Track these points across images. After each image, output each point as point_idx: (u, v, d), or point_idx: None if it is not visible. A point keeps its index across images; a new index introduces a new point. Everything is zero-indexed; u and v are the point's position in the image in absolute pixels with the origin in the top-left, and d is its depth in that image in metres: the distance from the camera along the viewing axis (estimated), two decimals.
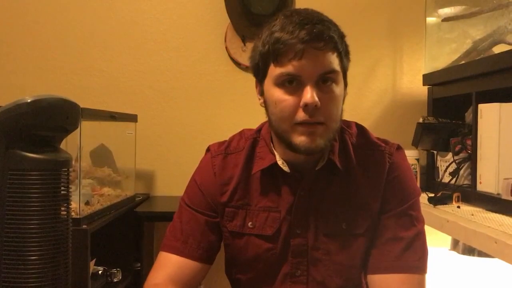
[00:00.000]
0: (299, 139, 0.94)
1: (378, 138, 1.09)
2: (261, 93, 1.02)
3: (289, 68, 0.93)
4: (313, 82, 0.93)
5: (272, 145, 1.06)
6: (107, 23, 2.25)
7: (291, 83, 0.94)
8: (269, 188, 1.05)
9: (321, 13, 0.98)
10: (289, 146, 0.97)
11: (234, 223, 1.06)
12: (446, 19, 1.94)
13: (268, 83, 0.98)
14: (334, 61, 0.94)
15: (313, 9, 0.99)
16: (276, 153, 1.04)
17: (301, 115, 0.93)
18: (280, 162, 1.03)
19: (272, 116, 0.99)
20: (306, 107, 0.92)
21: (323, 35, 0.91)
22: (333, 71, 0.94)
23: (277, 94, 0.95)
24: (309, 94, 0.91)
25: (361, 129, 1.10)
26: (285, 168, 1.03)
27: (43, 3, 2.24)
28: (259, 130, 1.11)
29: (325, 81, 0.94)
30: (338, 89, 0.96)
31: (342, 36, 0.98)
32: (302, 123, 0.93)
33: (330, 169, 1.03)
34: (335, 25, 0.97)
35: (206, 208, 1.08)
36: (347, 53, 1.00)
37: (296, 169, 1.03)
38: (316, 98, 0.91)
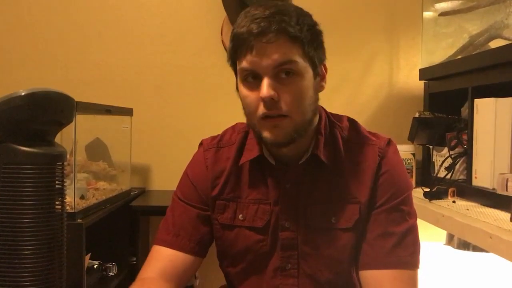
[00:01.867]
0: (265, 133, 0.96)
1: (370, 132, 1.08)
2: (237, 88, 1.02)
3: (244, 63, 0.94)
4: (269, 75, 0.92)
5: None
6: (102, 16, 2.23)
7: (254, 78, 0.94)
8: (258, 181, 1.05)
9: (285, 5, 0.95)
10: (259, 139, 0.99)
11: (225, 215, 1.06)
12: (443, 14, 1.94)
13: (238, 79, 0.99)
14: (289, 51, 0.92)
15: (280, 2, 0.96)
16: (263, 145, 1.04)
17: (261, 109, 0.94)
18: (267, 154, 1.04)
19: (244, 111, 1.00)
20: (263, 100, 0.92)
21: (271, 27, 0.90)
22: (289, 62, 0.92)
23: (243, 90, 0.97)
24: (264, 88, 0.92)
25: (352, 123, 1.10)
26: (271, 160, 1.04)
27: None
28: None
29: (286, 73, 0.93)
30: (301, 80, 0.94)
31: (304, 24, 0.94)
32: (265, 117, 0.94)
33: (317, 163, 1.03)
34: (298, 15, 0.94)
35: (198, 201, 1.08)
36: (314, 41, 0.96)
37: (282, 162, 1.04)
38: (272, 91, 0.91)
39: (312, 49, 0.96)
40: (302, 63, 0.94)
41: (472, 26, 1.77)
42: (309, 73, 0.96)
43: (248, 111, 0.97)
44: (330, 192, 1.03)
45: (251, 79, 0.95)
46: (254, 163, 1.05)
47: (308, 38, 0.95)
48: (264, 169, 1.05)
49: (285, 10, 0.94)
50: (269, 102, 0.92)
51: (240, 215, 1.05)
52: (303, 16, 0.96)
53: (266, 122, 0.95)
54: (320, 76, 1.00)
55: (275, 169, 1.04)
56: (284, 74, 0.93)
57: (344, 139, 1.06)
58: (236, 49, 0.95)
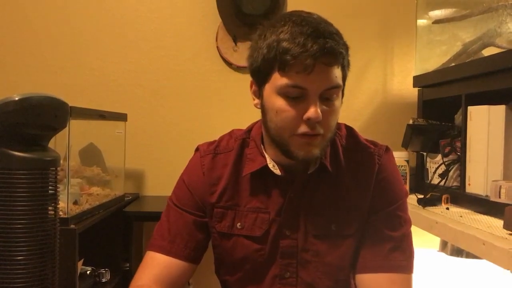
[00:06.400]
0: (297, 150, 0.95)
1: (367, 140, 1.10)
2: (258, 95, 1.00)
3: (296, 80, 0.91)
4: (318, 96, 0.92)
5: (262, 146, 1.05)
6: (97, 20, 2.23)
7: (295, 94, 0.93)
8: (258, 189, 1.05)
9: (329, 23, 0.96)
10: (286, 153, 0.97)
11: (223, 223, 1.06)
12: (437, 22, 1.95)
13: (269, 89, 0.96)
14: (339, 75, 0.94)
15: (319, 17, 0.96)
16: (266, 155, 1.04)
17: (302, 128, 0.93)
18: (271, 165, 1.03)
19: (270, 124, 0.97)
20: (309, 120, 0.92)
21: (335, 51, 0.90)
22: (337, 86, 0.94)
23: (279, 103, 0.94)
24: (313, 109, 0.91)
25: (350, 130, 1.11)
26: (276, 171, 1.03)
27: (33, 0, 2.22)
28: (249, 130, 1.11)
29: (327, 94, 0.94)
30: (338, 102, 0.97)
31: (347, 49, 0.96)
32: (301, 134, 0.94)
33: (320, 171, 1.03)
34: (342, 37, 0.95)
35: (194, 207, 1.07)
36: (349, 64, 0.99)
37: (287, 171, 1.03)
38: (320, 113, 0.91)
39: (348, 71, 0.98)
40: (342, 86, 0.96)
41: (465, 34, 1.78)
42: (341, 94, 0.98)
43: (282, 125, 0.95)
44: (330, 200, 1.03)
45: (292, 94, 0.93)
46: (255, 173, 1.04)
47: (347, 62, 0.97)
48: (266, 179, 1.04)
49: (334, 29, 0.94)
50: (314, 123, 0.92)
51: (238, 224, 1.05)
52: (342, 38, 0.96)
53: (301, 138, 0.94)
54: (342, 95, 1.01)
55: (280, 179, 1.03)
56: (326, 95, 0.93)
57: (343, 147, 1.07)
58: (285, 63, 0.91)
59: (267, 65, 0.95)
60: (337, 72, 0.93)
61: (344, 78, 0.97)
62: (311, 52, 0.89)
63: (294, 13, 0.97)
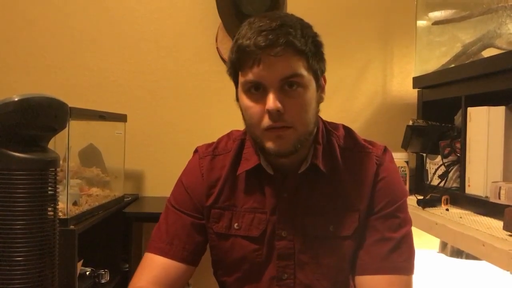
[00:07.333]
0: (268, 144, 0.96)
1: (365, 140, 1.09)
2: (237, 98, 1.03)
3: (249, 76, 0.94)
4: (276, 87, 0.93)
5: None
6: (97, 21, 2.23)
7: (257, 90, 0.95)
8: (254, 189, 1.05)
9: (288, 16, 0.97)
10: (262, 150, 0.99)
11: (220, 224, 1.06)
12: (437, 23, 1.95)
13: (239, 89, 0.99)
14: (295, 64, 0.93)
15: (283, 13, 0.98)
16: (261, 154, 1.04)
17: (266, 121, 0.94)
18: (264, 163, 1.03)
19: (245, 123, 1.01)
20: (269, 112, 0.93)
21: (279, 41, 0.91)
22: (296, 75, 0.94)
23: (245, 101, 0.97)
24: (270, 100, 0.92)
25: (348, 131, 1.10)
26: (269, 170, 1.03)
27: (32, 0, 2.22)
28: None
29: (290, 85, 0.94)
30: (306, 92, 0.96)
31: (308, 37, 0.95)
32: (269, 128, 0.94)
33: (315, 172, 1.03)
34: (302, 28, 0.95)
35: (192, 209, 1.07)
36: (317, 54, 0.98)
37: (280, 171, 1.03)
38: (278, 104, 0.92)
39: (315, 61, 0.97)
40: (306, 75, 0.95)
41: (465, 35, 1.78)
42: (312, 85, 0.97)
43: (251, 122, 0.97)
44: (328, 201, 1.03)
45: (254, 90, 0.95)
46: (251, 172, 1.05)
47: (312, 50, 0.96)
48: (261, 178, 1.04)
49: (290, 22, 0.94)
50: (275, 114, 0.93)
51: (236, 224, 1.04)
52: (307, 28, 0.97)
53: (270, 133, 0.95)
54: (321, 87, 1.01)
55: (273, 178, 1.04)
56: (289, 86, 0.94)
57: (341, 147, 1.06)
58: (241, 61, 0.95)
59: (233, 68, 0.99)
60: (292, 62, 0.93)
61: (312, 68, 0.96)
62: (256, 44, 0.91)
63: (260, 14, 0.98)
